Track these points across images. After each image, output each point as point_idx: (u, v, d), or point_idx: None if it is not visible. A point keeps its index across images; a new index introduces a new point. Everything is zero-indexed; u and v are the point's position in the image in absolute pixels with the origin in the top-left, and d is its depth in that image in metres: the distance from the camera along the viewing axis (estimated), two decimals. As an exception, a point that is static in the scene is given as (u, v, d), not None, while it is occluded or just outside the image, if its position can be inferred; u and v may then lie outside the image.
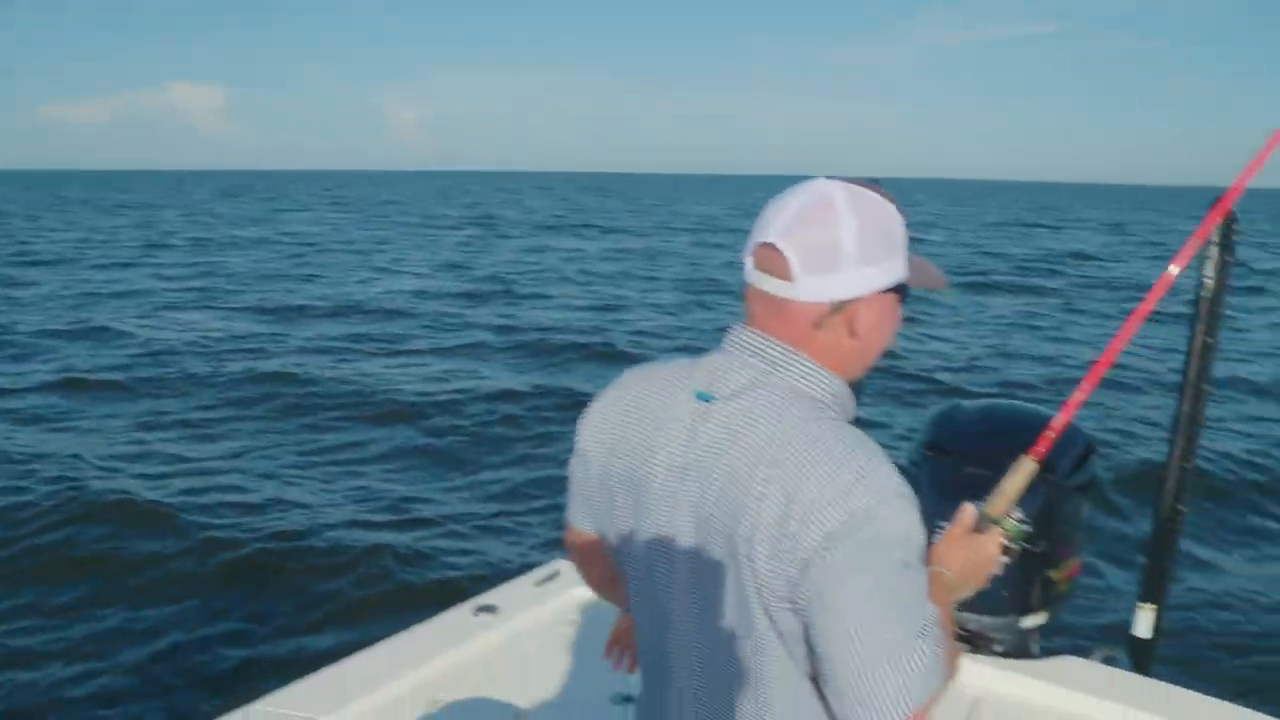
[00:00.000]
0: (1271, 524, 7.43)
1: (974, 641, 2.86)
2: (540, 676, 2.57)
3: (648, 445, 1.35)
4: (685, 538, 1.32)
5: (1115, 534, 6.74)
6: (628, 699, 2.37)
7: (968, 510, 1.55)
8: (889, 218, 1.31)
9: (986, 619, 2.85)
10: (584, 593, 2.93)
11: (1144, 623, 3.08)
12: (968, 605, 2.89)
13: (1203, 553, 6.65)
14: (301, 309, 17.72)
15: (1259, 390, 12.44)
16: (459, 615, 2.89)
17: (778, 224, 1.29)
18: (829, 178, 1.32)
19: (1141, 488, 7.26)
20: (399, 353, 13.68)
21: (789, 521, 1.19)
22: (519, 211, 60.02)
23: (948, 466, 2.82)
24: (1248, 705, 2.55)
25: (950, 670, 1.28)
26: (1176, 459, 2.94)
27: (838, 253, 1.26)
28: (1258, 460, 8.99)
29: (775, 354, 1.31)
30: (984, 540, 1.53)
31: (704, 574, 1.30)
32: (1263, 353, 15.09)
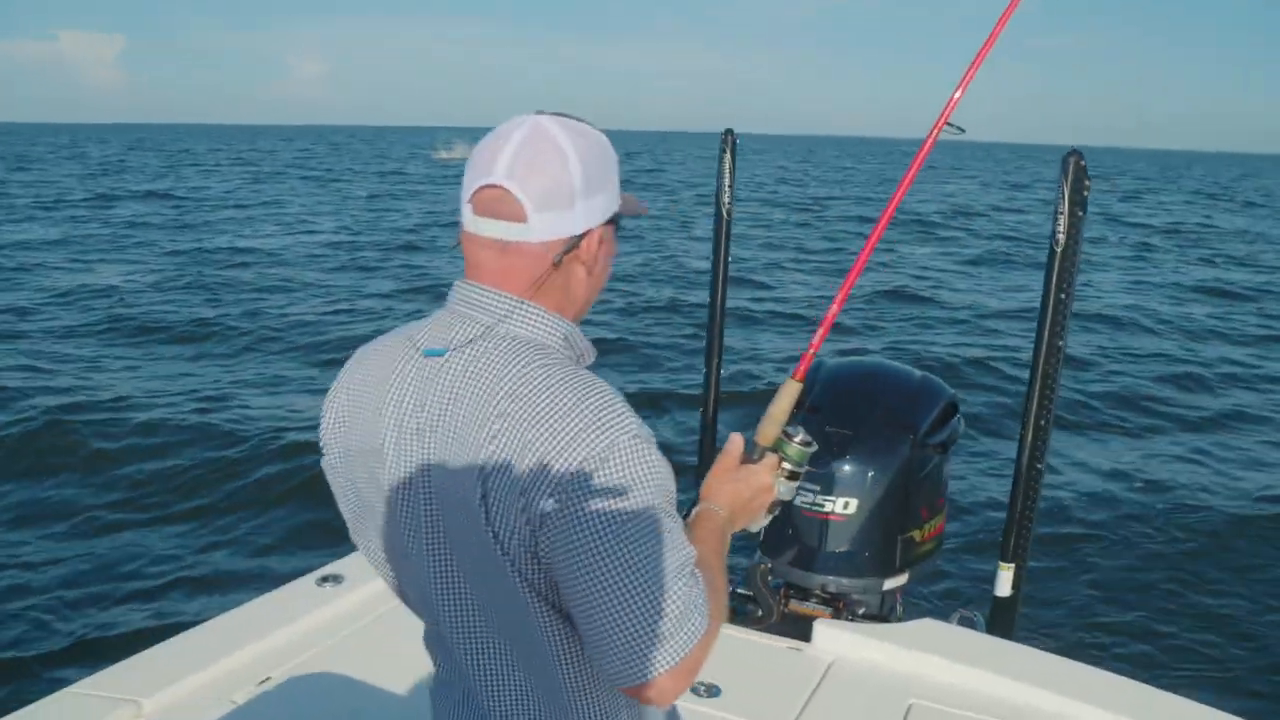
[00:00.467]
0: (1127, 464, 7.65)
1: (835, 604, 2.83)
2: (384, 648, 2.42)
3: (377, 415, 1.26)
4: (426, 503, 1.23)
5: (987, 493, 6.86)
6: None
7: (735, 441, 1.49)
8: (604, 147, 1.26)
9: (847, 581, 2.82)
10: (371, 588, 2.75)
11: (1004, 582, 3.09)
12: (831, 567, 2.87)
13: (1067, 513, 6.83)
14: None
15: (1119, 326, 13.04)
16: (302, 586, 2.73)
17: (499, 164, 1.20)
18: (538, 112, 1.25)
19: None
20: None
21: (523, 473, 1.12)
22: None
23: (812, 423, 2.79)
24: (1104, 666, 2.56)
25: (720, 612, 1.22)
26: (1034, 413, 2.94)
27: (568, 187, 1.20)
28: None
29: (500, 304, 1.23)
30: (754, 470, 1.48)
31: (450, 538, 1.22)
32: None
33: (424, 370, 1.23)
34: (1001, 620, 3.03)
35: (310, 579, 2.77)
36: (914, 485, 2.87)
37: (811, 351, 1.67)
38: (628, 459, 1.13)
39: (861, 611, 2.83)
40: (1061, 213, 2.78)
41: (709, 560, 1.26)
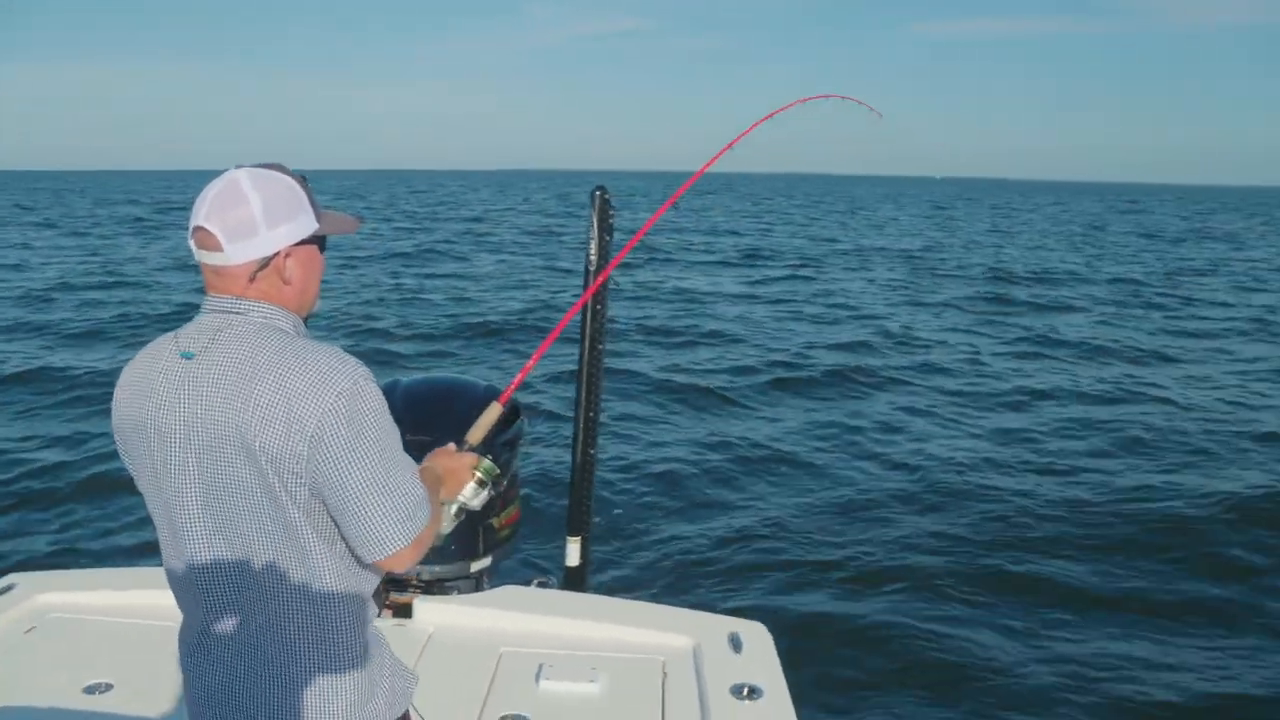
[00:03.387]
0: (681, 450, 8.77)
1: (431, 590, 3.17)
2: (6, 672, 2.54)
3: (149, 407, 1.62)
4: (198, 477, 1.60)
5: (562, 479, 7.56)
6: (98, 689, 2.50)
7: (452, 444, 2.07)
8: (287, 188, 1.65)
9: (439, 568, 3.16)
10: (44, 598, 2.94)
11: (573, 552, 3.62)
12: (424, 558, 3.20)
13: (620, 485, 7.74)
14: None
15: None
16: None
17: (202, 210, 1.61)
18: (238, 166, 1.65)
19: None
20: None
21: (292, 414, 1.52)
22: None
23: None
24: (661, 603, 3.17)
25: (435, 524, 1.72)
26: (583, 409, 3.48)
27: (251, 222, 1.60)
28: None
29: (234, 305, 1.63)
30: (461, 456, 2.03)
31: (225, 503, 1.59)
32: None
33: (183, 368, 1.60)
34: (573, 583, 3.55)
35: None
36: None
37: (516, 382, 2.30)
38: (368, 390, 1.58)
39: (455, 592, 3.18)
40: (593, 238, 3.34)
41: (431, 489, 1.75)
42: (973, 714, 4.68)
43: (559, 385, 10.43)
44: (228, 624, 1.65)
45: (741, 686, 2.52)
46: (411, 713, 1.85)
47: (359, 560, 1.64)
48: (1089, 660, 5.15)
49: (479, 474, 2.04)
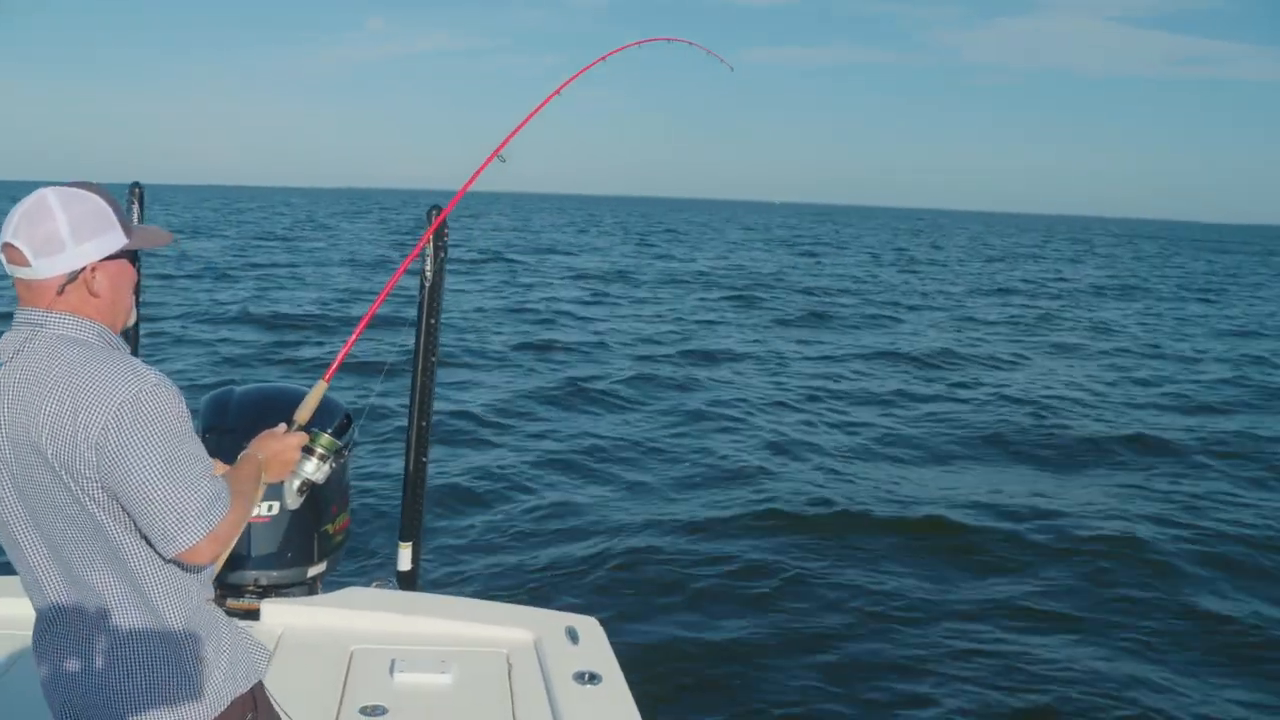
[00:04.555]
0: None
1: (267, 593, 3.24)
2: None
3: None
4: (12, 482, 1.69)
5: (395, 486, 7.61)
6: None
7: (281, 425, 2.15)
8: (95, 206, 1.74)
9: (276, 573, 3.24)
10: None
11: (404, 557, 3.75)
12: (261, 564, 3.26)
13: (461, 494, 7.88)
14: None
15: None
16: None
17: (9, 227, 1.69)
18: (49, 185, 1.74)
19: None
20: None
21: (78, 423, 1.61)
22: None
23: (228, 442, 3.15)
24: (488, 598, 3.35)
25: (244, 515, 1.80)
26: (416, 417, 3.62)
27: (56, 239, 1.69)
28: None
29: (39, 318, 1.71)
30: (289, 438, 2.10)
31: (36, 504, 1.69)
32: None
33: None
34: (406, 587, 3.68)
35: None
36: (323, 487, 3.38)
37: (339, 360, 2.44)
38: (151, 398, 1.66)
39: (291, 597, 3.26)
40: (429, 254, 3.49)
41: (241, 481, 1.86)
42: (787, 690, 5.07)
43: (395, 395, 10.42)
44: (63, 614, 1.75)
45: (583, 673, 2.74)
46: (271, 702, 1.97)
47: (160, 555, 1.72)
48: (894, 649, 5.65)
49: (320, 449, 2.17)
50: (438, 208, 3.50)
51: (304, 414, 2.26)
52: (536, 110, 3.14)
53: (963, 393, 13.08)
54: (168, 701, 1.74)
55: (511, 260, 32.71)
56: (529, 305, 20.64)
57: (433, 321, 3.57)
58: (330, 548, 3.42)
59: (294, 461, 2.11)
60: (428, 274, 3.51)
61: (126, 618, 1.73)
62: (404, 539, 3.74)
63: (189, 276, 24.15)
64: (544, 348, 15.46)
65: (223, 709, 1.80)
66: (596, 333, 17.48)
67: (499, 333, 16.69)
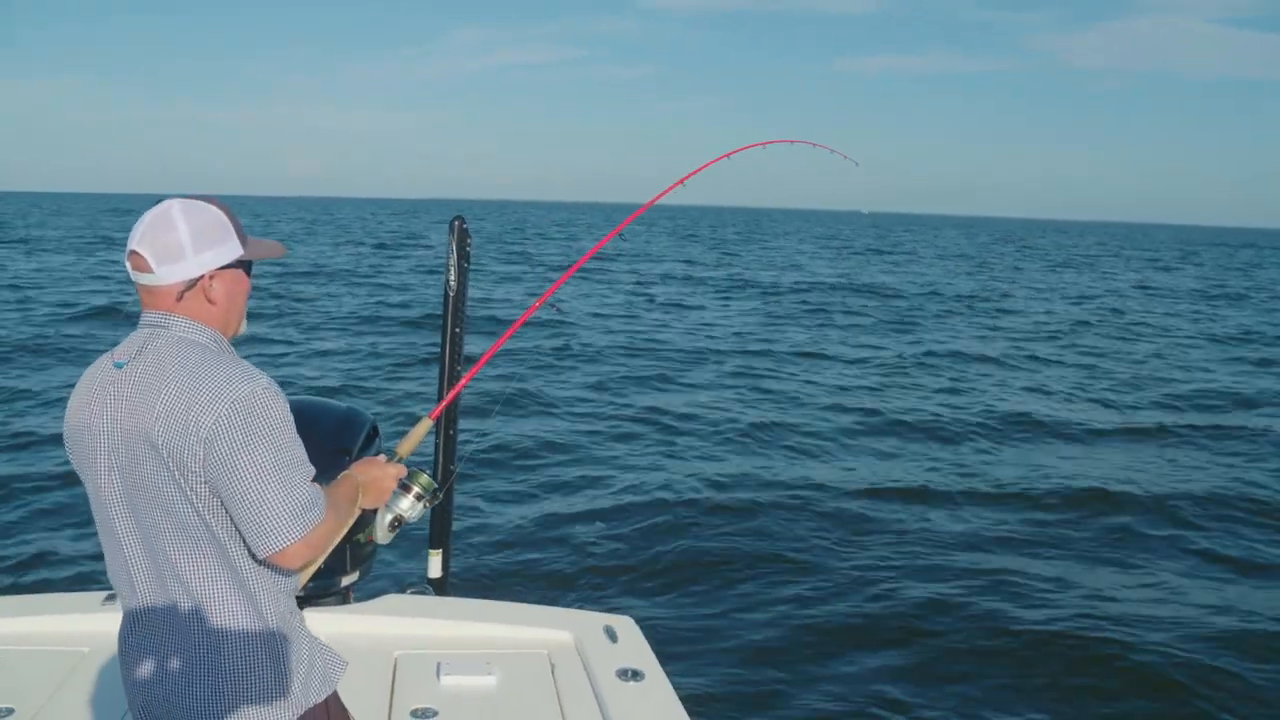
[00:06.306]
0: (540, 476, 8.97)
1: (303, 604, 3.27)
2: None
3: (87, 413, 1.80)
4: (121, 475, 1.77)
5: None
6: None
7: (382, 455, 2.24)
8: (214, 217, 1.85)
9: (312, 584, 3.25)
10: None
11: (435, 564, 3.79)
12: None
13: (486, 503, 7.90)
14: None
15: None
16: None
17: (136, 235, 1.81)
18: (175, 196, 1.86)
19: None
20: None
21: (190, 418, 1.70)
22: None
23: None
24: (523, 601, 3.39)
25: (339, 525, 1.89)
26: (443, 427, 3.65)
27: (177, 247, 1.80)
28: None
29: (161, 320, 1.82)
30: (388, 467, 2.16)
31: (138, 496, 1.76)
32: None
33: (115, 376, 1.79)
34: (437, 591, 3.72)
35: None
36: (355, 498, 3.42)
37: (448, 400, 2.57)
38: (261, 400, 1.74)
39: (329, 603, 3.31)
40: (452, 264, 3.53)
41: (338, 497, 1.93)
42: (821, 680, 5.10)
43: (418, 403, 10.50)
44: (155, 610, 1.81)
45: (625, 670, 2.80)
46: (346, 713, 2.02)
47: (254, 556, 1.79)
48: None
49: (417, 488, 2.21)
50: (460, 219, 3.54)
51: (406, 448, 2.32)
52: (657, 198, 3.13)
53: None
54: (254, 702, 1.80)
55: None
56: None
57: (458, 330, 3.60)
58: (362, 557, 3.46)
59: (389, 491, 2.16)
60: (452, 283, 3.54)
61: (221, 616, 1.79)
62: (434, 546, 3.78)
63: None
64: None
65: (298, 716, 1.86)
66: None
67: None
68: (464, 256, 3.55)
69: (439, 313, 3.60)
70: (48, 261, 30.26)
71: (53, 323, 17.09)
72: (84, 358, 11.87)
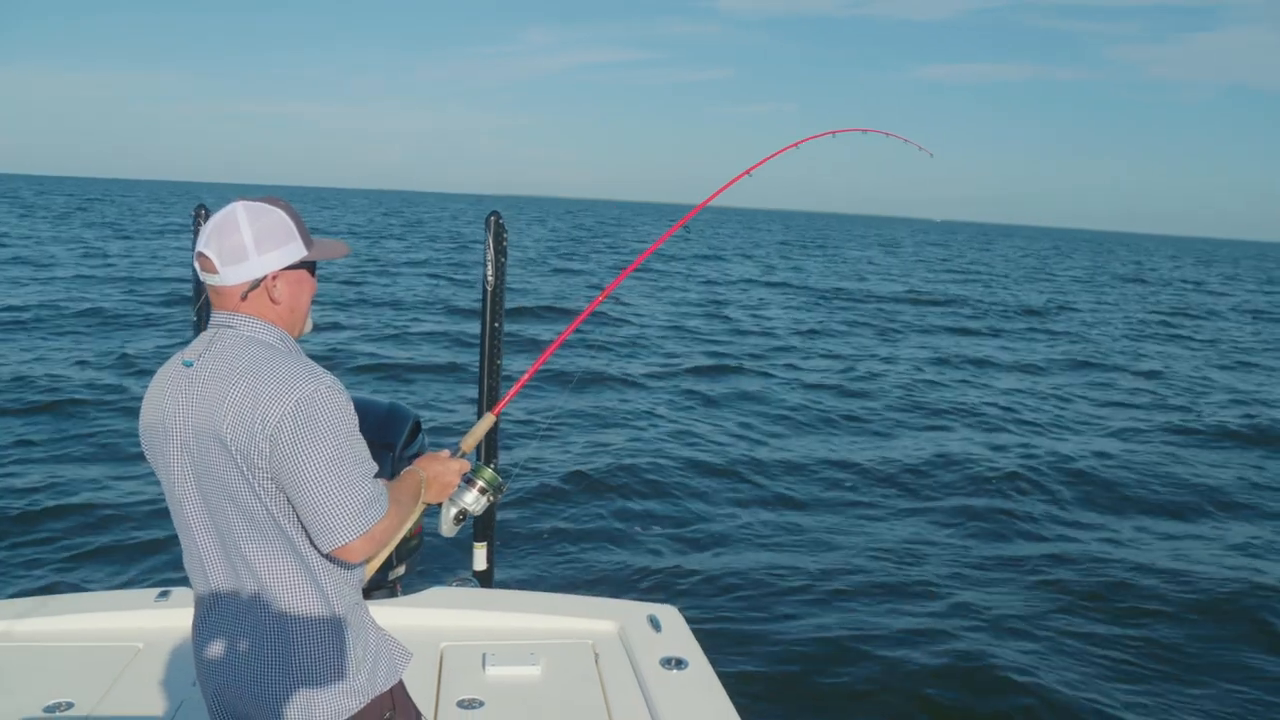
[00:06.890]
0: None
1: (350, 599, 3.33)
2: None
3: (160, 411, 1.86)
4: (192, 469, 1.82)
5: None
6: (58, 708, 2.61)
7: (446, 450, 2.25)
8: (278, 219, 1.89)
9: (360, 577, 3.33)
10: (2, 626, 3.01)
11: (480, 557, 3.83)
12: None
13: (531, 496, 7.94)
14: None
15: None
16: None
17: (203, 237, 1.87)
18: (240, 199, 1.90)
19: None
20: None
21: (257, 413, 1.74)
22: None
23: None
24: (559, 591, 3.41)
25: (400, 523, 1.90)
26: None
27: (241, 249, 1.85)
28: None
29: (228, 319, 1.87)
30: (451, 462, 2.15)
31: (211, 490, 1.81)
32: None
33: (185, 374, 1.85)
34: (483, 584, 3.76)
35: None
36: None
37: (510, 395, 2.50)
38: (329, 397, 1.78)
39: (376, 597, 3.35)
40: (490, 260, 3.55)
41: (401, 493, 1.94)
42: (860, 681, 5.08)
43: (461, 393, 10.55)
44: (226, 598, 1.86)
45: (669, 659, 2.82)
46: (410, 702, 2.05)
47: (318, 550, 1.82)
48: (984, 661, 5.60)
49: (481, 482, 2.21)
50: (497, 214, 3.56)
51: (469, 443, 2.32)
52: (725, 187, 3.03)
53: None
54: (323, 688, 1.84)
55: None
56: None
57: (496, 325, 3.63)
58: (408, 551, 3.50)
59: (453, 486, 2.15)
60: (490, 278, 3.56)
61: (291, 605, 1.83)
62: (478, 540, 3.82)
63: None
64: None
65: (364, 704, 1.89)
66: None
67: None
68: (501, 251, 3.57)
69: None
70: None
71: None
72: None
